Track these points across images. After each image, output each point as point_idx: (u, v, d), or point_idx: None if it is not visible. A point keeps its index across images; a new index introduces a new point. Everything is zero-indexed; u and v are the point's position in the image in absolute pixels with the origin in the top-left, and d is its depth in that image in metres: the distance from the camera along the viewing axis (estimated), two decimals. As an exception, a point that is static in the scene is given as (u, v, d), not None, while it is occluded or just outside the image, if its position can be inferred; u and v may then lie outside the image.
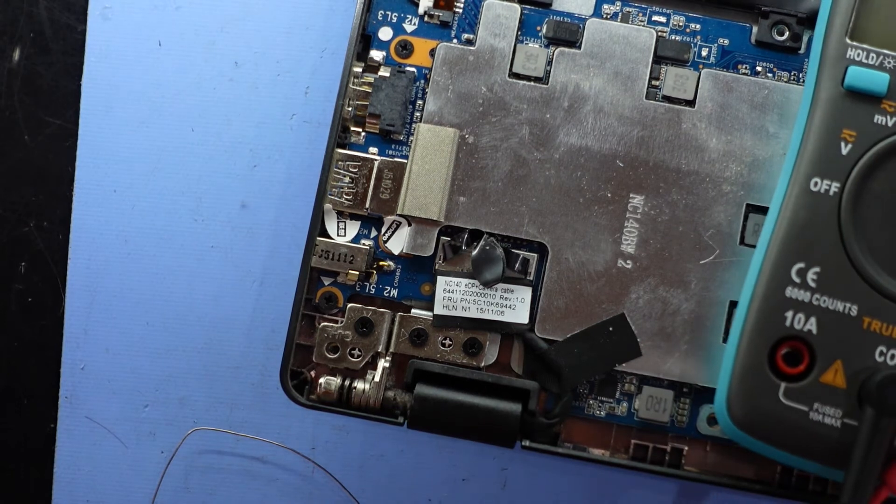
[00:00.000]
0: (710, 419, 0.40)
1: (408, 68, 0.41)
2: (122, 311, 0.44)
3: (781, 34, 0.40)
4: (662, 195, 0.40)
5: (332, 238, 0.40)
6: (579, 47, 0.40)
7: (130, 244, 0.45)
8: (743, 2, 0.41)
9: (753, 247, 0.38)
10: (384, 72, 0.41)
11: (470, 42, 0.41)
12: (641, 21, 0.41)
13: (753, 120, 0.40)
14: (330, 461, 0.44)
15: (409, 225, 0.40)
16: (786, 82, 0.40)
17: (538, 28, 0.41)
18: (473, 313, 0.40)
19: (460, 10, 0.41)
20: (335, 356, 0.40)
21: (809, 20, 0.40)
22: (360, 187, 0.40)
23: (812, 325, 0.36)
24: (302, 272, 0.39)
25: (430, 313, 0.40)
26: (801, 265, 0.36)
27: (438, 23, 0.41)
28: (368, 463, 0.44)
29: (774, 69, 0.40)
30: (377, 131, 0.41)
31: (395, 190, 0.40)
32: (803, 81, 0.40)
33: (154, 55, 0.45)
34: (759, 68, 0.41)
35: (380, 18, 0.41)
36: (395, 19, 0.41)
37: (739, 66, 0.41)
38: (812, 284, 0.36)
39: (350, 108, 0.41)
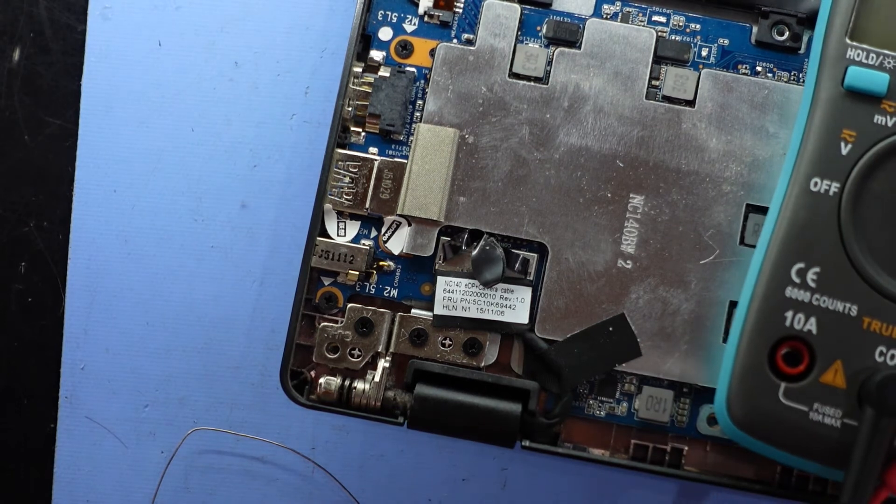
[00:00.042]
0: (710, 419, 0.40)
1: (408, 68, 0.41)
2: (122, 311, 0.44)
3: (781, 34, 0.40)
4: (662, 195, 0.40)
5: (332, 238, 0.40)
6: (579, 47, 0.40)
7: (130, 244, 0.45)
8: (743, 2, 0.41)
9: (753, 247, 0.38)
10: (384, 72, 0.41)
11: (470, 42, 0.41)
12: (641, 21, 0.41)
13: (753, 120, 0.40)
14: (330, 461, 0.44)
15: (409, 225, 0.40)
16: (786, 82, 0.40)
17: (538, 28, 0.41)
18: (473, 313, 0.40)
19: (460, 10, 0.41)
20: (335, 356, 0.40)
21: (809, 20, 0.40)
22: (360, 187, 0.40)
23: (812, 325, 0.36)
24: (302, 272, 0.39)
25: (430, 313, 0.40)
26: (800, 265, 0.36)
27: (438, 23, 0.41)
28: (368, 463, 0.44)
29: (774, 69, 0.40)
30: (377, 131, 0.41)
31: (395, 190, 0.40)
32: (803, 81, 0.40)
33: (154, 55, 0.45)
34: (759, 68, 0.41)
35: (380, 18, 0.41)
36: (395, 19, 0.41)
37: (739, 66, 0.41)
38: (812, 284, 0.36)
39: (350, 108, 0.41)
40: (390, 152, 0.41)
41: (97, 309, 0.44)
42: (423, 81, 0.41)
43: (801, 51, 0.40)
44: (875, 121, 0.37)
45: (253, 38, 0.45)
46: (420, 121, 0.40)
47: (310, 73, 0.45)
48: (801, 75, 0.40)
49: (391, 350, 0.40)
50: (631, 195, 0.40)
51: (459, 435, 0.39)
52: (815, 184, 0.37)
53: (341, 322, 0.40)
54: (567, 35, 0.41)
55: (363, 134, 0.41)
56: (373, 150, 0.41)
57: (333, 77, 0.44)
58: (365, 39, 0.41)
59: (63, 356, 0.45)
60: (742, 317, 0.37)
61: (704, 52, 0.41)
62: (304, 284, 0.39)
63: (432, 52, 0.41)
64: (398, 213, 0.40)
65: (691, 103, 0.40)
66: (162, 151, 0.45)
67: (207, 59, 0.45)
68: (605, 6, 0.41)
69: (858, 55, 0.37)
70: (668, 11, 0.41)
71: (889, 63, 0.37)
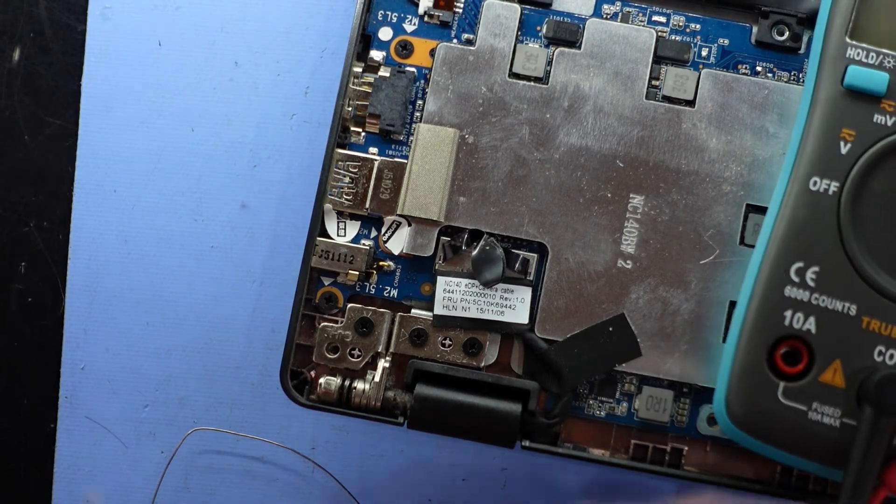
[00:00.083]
0: (710, 419, 0.40)
1: (408, 68, 0.41)
2: (122, 311, 0.44)
3: (781, 34, 0.41)
4: (662, 195, 0.40)
5: (332, 238, 0.40)
6: (579, 47, 0.40)
7: (130, 244, 0.45)
8: (743, 2, 0.41)
9: (753, 247, 0.38)
10: (384, 72, 0.41)
11: (470, 42, 0.41)
12: (641, 21, 0.41)
13: (753, 120, 0.40)
14: (330, 461, 0.44)
15: (409, 225, 0.40)
16: (786, 82, 0.40)
17: (538, 28, 0.41)
18: (473, 313, 0.40)
19: (460, 10, 0.41)
20: (335, 356, 0.40)
21: (809, 20, 0.40)
22: (360, 187, 0.40)
23: (811, 324, 0.36)
24: (302, 272, 0.39)
25: (430, 313, 0.40)
26: (800, 264, 0.36)
27: (438, 23, 0.41)
28: (368, 463, 0.44)
29: (774, 69, 0.40)
30: (377, 131, 0.41)
31: (395, 190, 0.40)
32: (803, 81, 0.40)
33: (154, 55, 0.45)
34: (759, 68, 0.41)
35: (380, 18, 0.41)
36: (395, 19, 0.41)
37: (739, 66, 0.41)
38: (811, 284, 0.36)
39: (350, 108, 0.41)
40: (390, 152, 0.41)
41: (97, 309, 0.44)
42: (423, 81, 0.41)
43: (801, 51, 0.41)
44: (875, 120, 0.37)
45: (253, 38, 0.45)
46: (420, 121, 0.40)
47: (310, 73, 0.45)
48: (801, 75, 0.40)
49: (391, 350, 0.40)
50: (631, 195, 0.40)
51: (459, 435, 0.39)
52: (815, 183, 0.37)
53: (341, 322, 0.40)
54: (567, 35, 0.41)
55: (363, 134, 0.41)
56: (373, 150, 0.41)
57: (333, 77, 0.44)
58: (365, 39, 0.41)
59: (63, 356, 0.45)
60: (741, 316, 0.37)
61: (704, 52, 0.41)
62: (304, 284, 0.39)
63: (432, 52, 0.41)
64: (398, 213, 0.40)
65: (691, 103, 0.40)
66: (162, 151, 0.45)
67: (207, 59, 0.45)
68: (605, 6, 0.41)
69: (858, 54, 0.37)
70: (668, 11, 0.41)
71: (889, 62, 0.37)
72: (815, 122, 0.37)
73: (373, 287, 0.40)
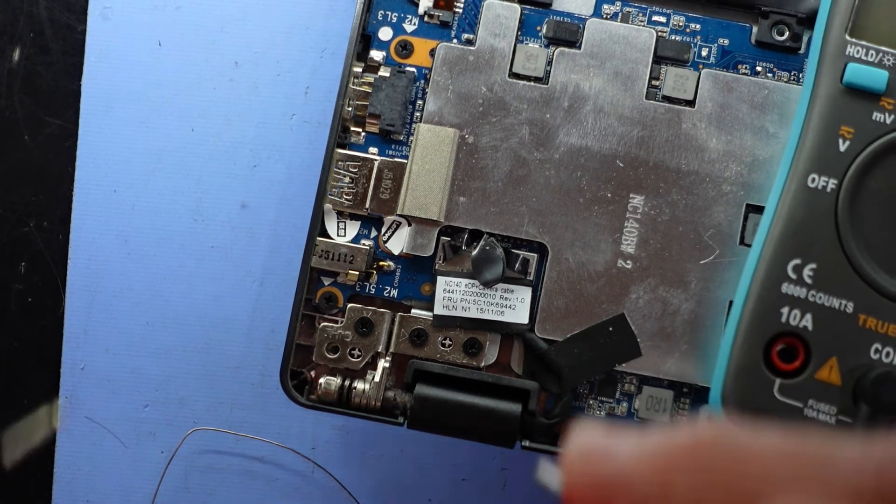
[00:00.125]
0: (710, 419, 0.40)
1: (408, 68, 0.41)
2: (122, 311, 0.44)
3: (781, 34, 0.41)
4: (662, 195, 0.40)
5: (332, 238, 0.40)
6: (579, 47, 0.40)
7: (130, 244, 0.45)
8: (743, 2, 0.41)
9: (753, 246, 0.38)
10: (384, 72, 0.41)
11: (470, 42, 0.41)
12: (641, 21, 0.41)
13: (753, 120, 0.40)
14: (330, 461, 0.44)
15: (409, 225, 0.40)
16: (786, 82, 0.40)
17: (538, 28, 0.41)
18: (473, 313, 0.40)
19: (460, 10, 0.41)
20: (335, 356, 0.40)
21: (809, 20, 0.40)
22: (360, 187, 0.40)
23: (808, 321, 0.36)
24: (302, 272, 0.39)
25: (430, 313, 0.40)
26: (797, 261, 0.36)
27: (438, 23, 0.41)
28: (368, 463, 0.44)
29: (774, 69, 0.40)
30: (377, 131, 0.41)
31: (395, 190, 0.40)
32: (803, 80, 0.40)
33: (154, 55, 0.45)
34: (759, 68, 0.41)
35: (380, 18, 0.41)
36: (395, 19, 0.41)
37: (739, 66, 0.41)
38: (808, 281, 0.36)
39: (350, 108, 0.41)
40: (390, 152, 0.41)
41: (97, 309, 0.44)
42: (423, 81, 0.41)
43: (801, 51, 0.40)
44: (874, 118, 0.37)
45: (253, 38, 0.45)
46: (420, 121, 0.40)
47: (310, 73, 0.45)
48: (801, 75, 0.40)
49: (391, 350, 0.40)
50: (631, 195, 0.40)
51: (459, 435, 0.39)
52: (813, 180, 0.37)
53: (341, 322, 0.40)
54: (567, 35, 0.41)
55: (363, 134, 0.41)
56: (373, 150, 0.41)
57: (333, 77, 0.44)
58: (365, 39, 0.41)
59: (63, 356, 0.45)
60: (738, 312, 0.37)
61: (704, 52, 0.41)
62: (304, 284, 0.39)
63: (432, 52, 0.41)
64: (398, 213, 0.40)
65: (691, 103, 0.40)
66: (162, 151, 0.45)
67: (207, 59, 0.45)
68: (605, 6, 0.41)
69: (858, 52, 0.37)
70: (668, 11, 0.41)
71: (888, 60, 0.37)
72: (814, 120, 0.37)
73: (373, 287, 0.40)
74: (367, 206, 0.40)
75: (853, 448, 0.20)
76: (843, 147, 0.37)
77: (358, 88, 0.41)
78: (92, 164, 0.45)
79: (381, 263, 0.40)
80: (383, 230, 0.40)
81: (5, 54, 0.46)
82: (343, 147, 0.41)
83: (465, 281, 0.40)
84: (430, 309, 0.40)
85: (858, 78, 0.37)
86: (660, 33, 0.41)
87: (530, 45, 0.41)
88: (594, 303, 0.39)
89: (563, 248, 0.40)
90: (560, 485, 0.23)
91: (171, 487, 0.44)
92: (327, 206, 0.40)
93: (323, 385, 0.40)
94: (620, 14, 0.41)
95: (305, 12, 0.45)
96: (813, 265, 0.36)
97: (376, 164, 0.40)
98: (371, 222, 0.40)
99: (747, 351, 0.36)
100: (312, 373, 0.40)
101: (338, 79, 0.40)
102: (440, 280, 0.40)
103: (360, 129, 0.41)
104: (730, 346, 0.36)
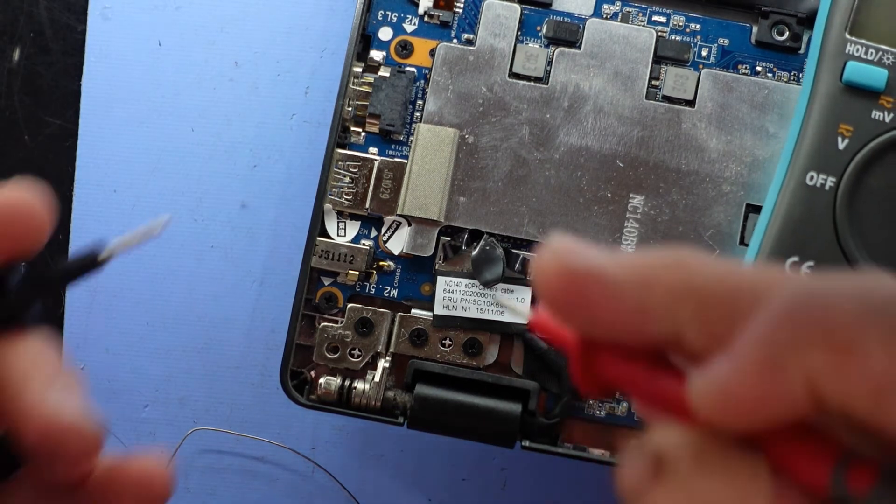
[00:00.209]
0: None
1: (408, 68, 0.41)
2: (122, 311, 0.44)
3: (781, 34, 0.41)
4: (662, 195, 0.40)
5: (332, 238, 0.40)
6: (579, 47, 0.40)
7: (130, 244, 0.45)
8: (743, 2, 0.41)
9: (753, 247, 0.38)
10: (384, 72, 0.41)
11: (470, 42, 0.41)
12: (641, 21, 0.41)
13: (753, 120, 0.40)
14: (330, 461, 0.44)
15: (409, 225, 0.40)
16: (786, 82, 0.40)
17: (538, 28, 0.41)
18: (473, 313, 0.40)
19: (460, 10, 0.41)
20: (335, 356, 0.40)
21: (809, 20, 0.40)
22: (360, 187, 0.40)
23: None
24: (302, 272, 0.39)
25: (430, 313, 0.40)
26: (794, 259, 0.36)
27: (438, 23, 0.41)
28: (368, 463, 0.44)
29: (774, 69, 0.40)
30: (377, 131, 0.41)
31: (395, 190, 0.40)
32: (803, 79, 0.40)
33: (154, 55, 0.45)
34: (759, 68, 0.41)
35: (380, 18, 0.41)
36: (395, 19, 0.41)
37: (739, 66, 0.41)
38: (807, 280, 0.36)
39: (350, 108, 0.41)
40: (390, 152, 0.41)
41: (97, 309, 0.44)
42: (423, 81, 0.41)
43: (801, 51, 0.40)
44: (873, 116, 0.37)
45: (253, 38, 0.45)
46: (420, 121, 0.40)
47: (310, 73, 0.45)
48: (801, 75, 0.40)
49: (391, 350, 0.40)
50: (631, 195, 0.40)
51: (459, 435, 0.39)
52: (812, 178, 0.37)
53: (341, 322, 0.40)
54: (567, 35, 0.41)
55: (363, 134, 0.41)
56: (373, 150, 0.41)
57: (333, 77, 0.44)
58: (365, 39, 0.41)
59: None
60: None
61: (704, 52, 0.41)
62: (304, 284, 0.39)
63: (432, 52, 0.41)
64: (398, 213, 0.40)
65: (691, 103, 0.40)
66: (162, 151, 0.45)
67: (207, 59, 0.45)
68: (605, 6, 0.41)
69: (858, 50, 0.37)
70: (668, 11, 0.41)
71: (888, 59, 0.37)
72: (814, 118, 0.37)
73: (373, 287, 0.40)
74: (367, 206, 0.40)
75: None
76: (841, 145, 0.37)
77: (358, 88, 0.41)
78: (92, 164, 0.45)
79: (381, 263, 0.40)
80: (383, 230, 0.40)
81: (5, 54, 0.46)
82: (343, 147, 0.41)
83: (465, 281, 0.40)
84: (430, 309, 0.40)
85: (858, 76, 0.37)
86: (660, 33, 0.41)
87: (530, 45, 0.41)
88: (594, 303, 0.39)
89: (563, 248, 0.39)
90: (518, 305, 0.23)
91: (171, 487, 0.44)
92: (327, 206, 0.40)
93: (323, 385, 0.40)
94: (620, 14, 0.41)
95: (305, 12, 0.45)
96: (811, 263, 0.36)
97: (376, 164, 0.40)
98: (371, 222, 0.40)
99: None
100: (312, 373, 0.40)
101: (338, 79, 0.40)
102: (440, 280, 0.40)
103: (360, 129, 0.41)
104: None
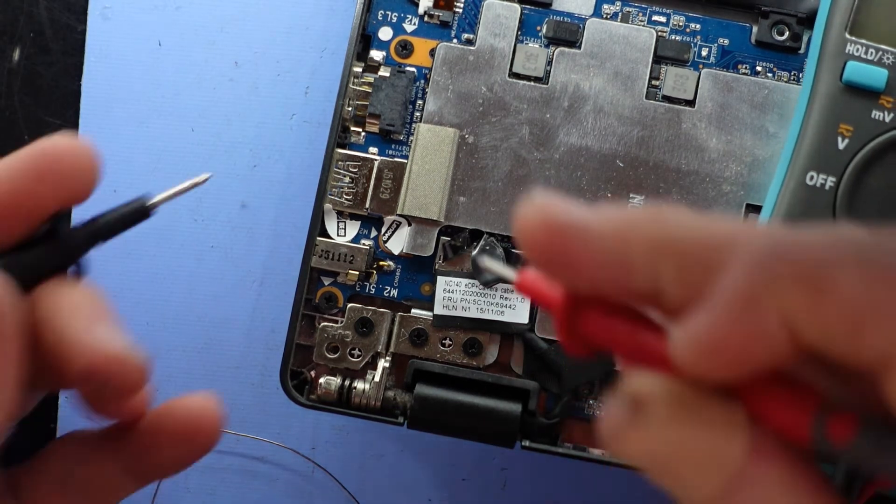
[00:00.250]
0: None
1: (408, 68, 0.41)
2: (122, 311, 0.44)
3: (781, 34, 0.41)
4: (662, 195, 0.40)
5: (332, 238, 0.40)
6: (579, 47, 0.40)
7: (130, 244, 0.45)
8: (743, 2, 0.41)
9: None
10: (384, 72, 0.41)
11: (470, 42, 0.41)
12: (641, 21, 0.41)
13: (753, 120, 0.40)
14: (330, 461, 0.44)
15: (409, 225, 0.40)
16: (786, 82, 0.40)
17: (538, 28, 0.41)
18: (473, 313, 0.40)
19: (460, 10, 0.41)
20: (335, 356, 0.40)
21: (809, 20, 0.40)
22: (360, 187, 0.40)
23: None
24: (302, 272, 0.39)
25: (430, 313, 0.40)
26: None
27: (438, 23, 0.41)
28: (368, 463, 0.44)
29: (774, 69, 0.40)
30: (377, 131, 0.41)
31: (395, 190, 0.40)
32: (802, 79, 0.40)
33: (154, 55, 0.45)
34: (759, 68, 0.41)
35: (380, 18, 0.41)
36: (395, 19, 0.41)
37: (739, 66, 0.41)
38: (809, 282, 0.36)
39: (350, 108, 0.41)
40: (390, 152, 0.41)
41: (97, 309, 0.44)
42: (423, 81, 0.41)
43: (801, 51, 0.40)
44: (873, 116, 0.37)
45: (253, 38, 0.45)
46: (420, 121, 0.40)
47: (310, 73, 0.45)
48: (800, 75, 0.40)
49: (391, 350, 0.40)
50: (631, 195, 0.40)
51: (459, 435, 0.39)
52: (812, 178, 0.37)
53: (341, 322, 0.40)
54: (567, 35, 0.41)
55: (363, 134, 0.41)
56: (373, 150, 0.41)
57: (333, 77, 0.44)
58: (365, 39, 0.41)
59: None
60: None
61: (704, 52, 0.41)
62: (304, 284, 0.39)
63: (432, 52, 0.41)
64: (398, 213, 0.40)
65: (691, 103, 0.40)
66: (162, 151, 0.45)
67: (207, 59, 0.45)
68: (605, 6, 0.41)
69: (858, 50, 0.37)
70: (668, 11, 0.41)
71: (888, 59, 0.37)
72: (814, 118, 0.37)
73: (373, 287, 0.40)
74: (367, 205, 0.40)
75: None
76: (841, 145, 0.37)
77: (358, 88, 0.41)
78: (92, 164, 0.45)
79: (381, 263, 0.40)
80: (383, 230, 0.40)
81: (5, 54, 0.46)
82: (343, 147, 0.41)
83: (465, 281, 0.40)
84: (430, 309, 0.40)
85: (858, 76, 0.37)
86: (660, 33, 0.41)
87: (530, 44, 0.41)
88: (594, 303, 0.39)
89: (563, 248, 0.39)
90: (505, 269, 0.24)
91: (171, 487, 0.44)
92: (327, 206, 0.40)
93: (323, 385, 0.40)
94: (620, 14, 0.41)
95: (305, 12, 0.45)
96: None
97: (376, 164, 0.40)
98: (371, 222, 0.40)
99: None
100: (312, 373, 0.40)
101: (338, 79, 0.40)
102: (440, 280, 0.40)
103: (360, 129, 0.41)
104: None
